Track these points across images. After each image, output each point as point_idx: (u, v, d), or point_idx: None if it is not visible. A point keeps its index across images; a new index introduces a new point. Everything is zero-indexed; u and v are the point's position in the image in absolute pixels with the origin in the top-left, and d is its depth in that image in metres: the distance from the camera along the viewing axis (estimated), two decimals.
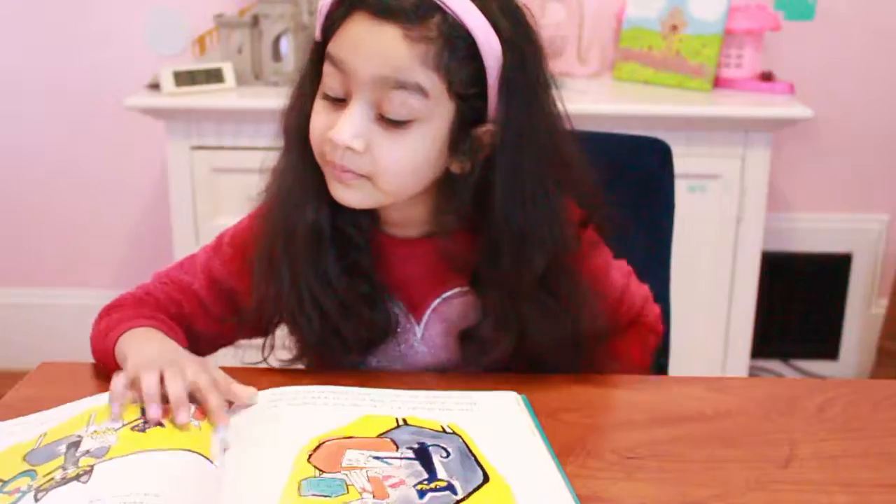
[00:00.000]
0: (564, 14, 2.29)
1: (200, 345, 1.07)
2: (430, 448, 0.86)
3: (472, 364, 1.03)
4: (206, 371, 0.91)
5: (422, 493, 0.79)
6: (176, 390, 0.87)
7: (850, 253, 2.55)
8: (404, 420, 0.91)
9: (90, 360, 1.07)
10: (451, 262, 1.00)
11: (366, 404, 0.94)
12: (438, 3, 0.89)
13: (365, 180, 0.94)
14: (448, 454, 0.85)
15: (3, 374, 1.72)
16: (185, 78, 2.12)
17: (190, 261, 1.11)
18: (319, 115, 0.94)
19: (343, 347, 1.03)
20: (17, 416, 0.95)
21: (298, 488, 0.79)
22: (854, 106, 2.44)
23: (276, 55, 2.21)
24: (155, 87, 2.15)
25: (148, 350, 0.95)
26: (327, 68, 0.93)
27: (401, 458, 0.84)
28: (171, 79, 2.11)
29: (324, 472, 0.81)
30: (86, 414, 0.91)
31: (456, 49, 0.90)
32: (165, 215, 2.23)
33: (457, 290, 1.04)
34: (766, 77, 2.21)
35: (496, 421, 0.92)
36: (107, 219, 2.60)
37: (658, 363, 1.23)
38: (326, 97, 0.94)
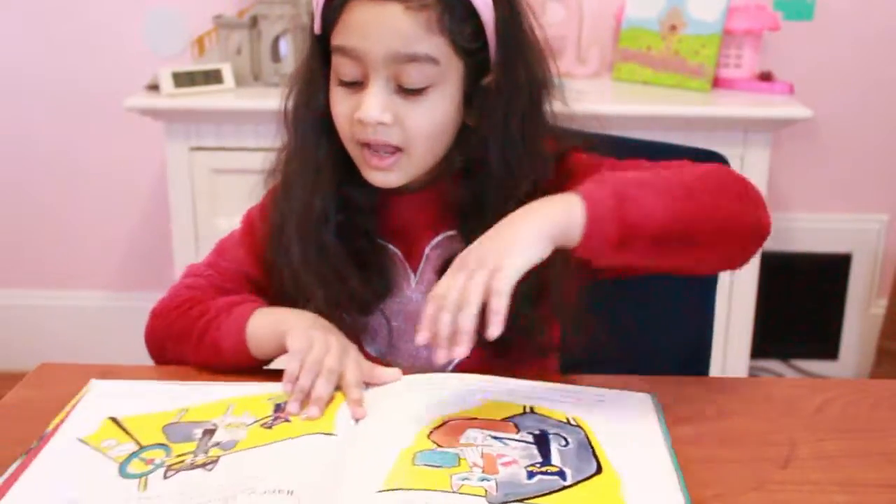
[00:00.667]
0: (564, 14, 2.29)
1: None
2: (551, 435, 0.89)
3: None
4: (357, 365, 0.96)
5: (531, 475, 0.82)
6: (323, 391, 0.94)
7: (850, 253, 2.56)
8: (531, 408, 0.94)
9: (89, 360, 1.07)
10: (448, 207, 1.04)
11: (497, 391, 0.97)
12: None
13: (399, 155, 1.00)
14: (567, 443, 0.88)
15: (2, 375, 1.72)
16: (185, 79, 2.12)
17: (224, 247, 1.15)
18: (341, 103, 1.00)
19: (352, 305, 1.06)
20: (18, 416, 0.95)
21: (413, 458, 0.83)
22: (853, 106, 2.44)
23: (276, 56, 2.21)
24: (154, 88, 2.15)
25: (308, 327, 0.99)
26: (338, 59, 0.98)
27: (519, 441, 0.87)
28: (171, 80, 2.11)
29: (441, 446, 0.86)
30: (225, 402, 0.97)
31: (454, 10, 0.96)
32: (165, 216, 2.23)
33: (446, 234, 1.07)
34: (766, 77, 2.21)
35: (622, 418, 0.94)
36: (106, 220, 2.60)
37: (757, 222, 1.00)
38: (343, 83, 0.99)
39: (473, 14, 0.98)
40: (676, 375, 1.06)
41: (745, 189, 0.97)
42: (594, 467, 0.84)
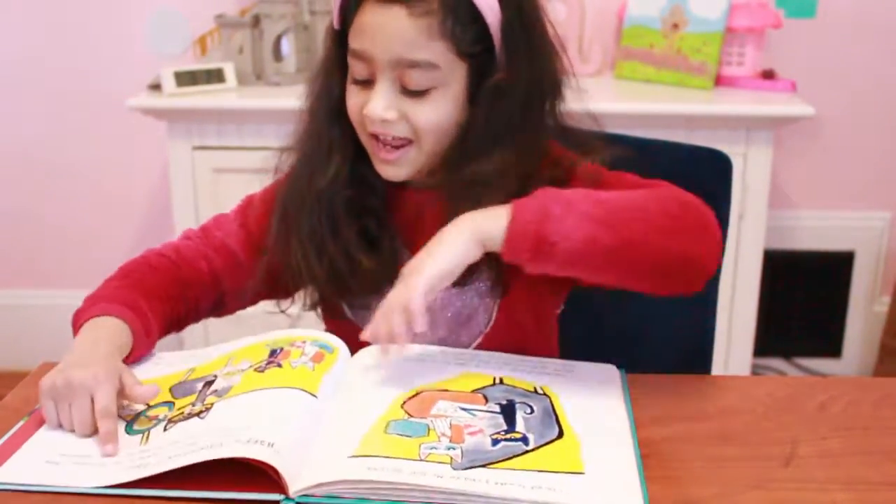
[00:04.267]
0: (565, 13, 2.29)
1: (226, 300, 1.16)
2: (517, 404, 0.94)
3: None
4: (106, 390, 0.92)
5: (495, 442, 0.88)
6: (79, 425, 0.91)
7: (853, 251, 2.55)
8: (500, 379, 1.00)
9: None
10: (448, 206, 1.05)
11: (472, 363, 1.03)
12: None
13: (409, 148, 1.04)
14: (532, 411, 0.94)
15: (4, 375, 1.72)
16: (187, 78, 2.13)
17: (221, 218, 1.18)
18: (353, 98, 1.05)
19: (357, 287, 1.09)
20: (18, 417, 0.95)
21: (385, 427, 0.89)
22: (856, 103, 2.44)
23: (277, 55, 2.21)
24: (156, 87, 2.15)
25: (69, 358, 0.96)
26: (351, 59, 1.04)
27: (486, 412, 0.93)
28: (173, 79, 2.11)
29: (413, 416, 0.91)
30: (228, 356, 1.03)
31: (458, 14, 0.99)
32: (167, 215, 2.24)
33: None
34: (768, 75, 2.21)
35: (587, 388, 1.00)
36: (108, 219, 2.60)
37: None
38: (356, 81, 1.05)
39: (478, 17, 1.00)
40: (678, 374, 1.06)
41: (696, 225, 0.99)
42: (556, 432, 0.90)
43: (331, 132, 1.08)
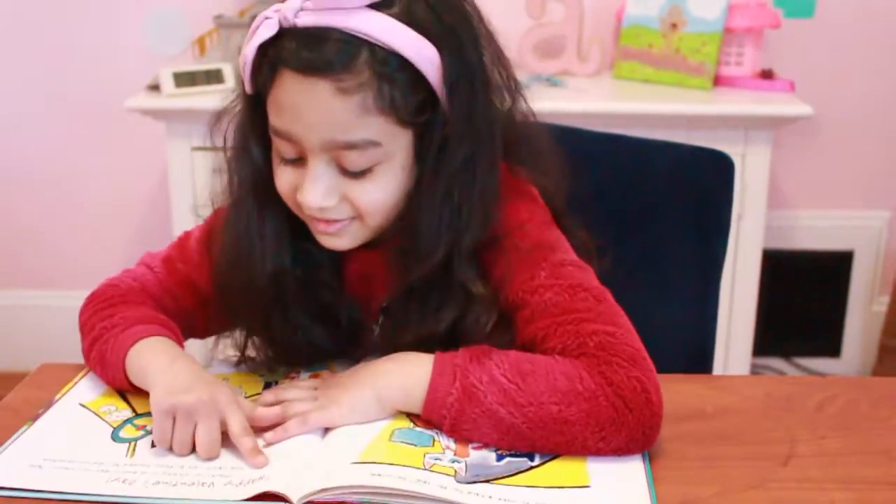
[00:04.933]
0: (564, 13, 2.29)
1: (199, 330, 1.07)
2: None
3: (391, 343, 0.98)
4: (236, 411, 0.88)
5: (500, 457, 0.87)
6: (206, 447, 0.87)
7: (852, 250, 2.55)
8: None
9: None
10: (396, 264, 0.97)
11: None
12: (361, 37, 0.84)
13: (352, 222, 0.93)
14: None
15: (3, 376, 1.72)
16: (185, 79, 2.12)
17: (186, 243, 1.07)
18: (283, 176, 0.92)
19: (318, 356, 1.03)
20: (17, 417, 0.95)
21: (391, 435, 0.88)
22: (854, 103, 2.44)
23: None
24: (155, 88, 2.15)
25: (177, 378, 0.90)
26: (274, 137, 0.91)
27: None
28: (171, 80, 2.11)
29: (418, 426, 0.90)
30: (223, 376, 1.02)
31: (395, 81, 0.86)
32: (167, 216, 2.24)
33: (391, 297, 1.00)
34: (767, 75, 2.21)
35: None
36: (108, 220, 2.60)
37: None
38: (284, 161, 0.92)
39: (418, 76, 0.87)
40: (676, 374, 1.06)
41: (631, 421, 0.85)
42: None
43: (264, 218, 0.96)
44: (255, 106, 0.93)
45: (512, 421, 0.85)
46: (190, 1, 2.38)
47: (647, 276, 1.10)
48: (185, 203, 2.16)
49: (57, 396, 0.98)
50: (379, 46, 0.85)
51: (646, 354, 0.89)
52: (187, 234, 1.09)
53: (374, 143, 0.88)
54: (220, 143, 0.99)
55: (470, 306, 0.94)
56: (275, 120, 0.89)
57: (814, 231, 2.54)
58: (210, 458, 0.86)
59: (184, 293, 1.05)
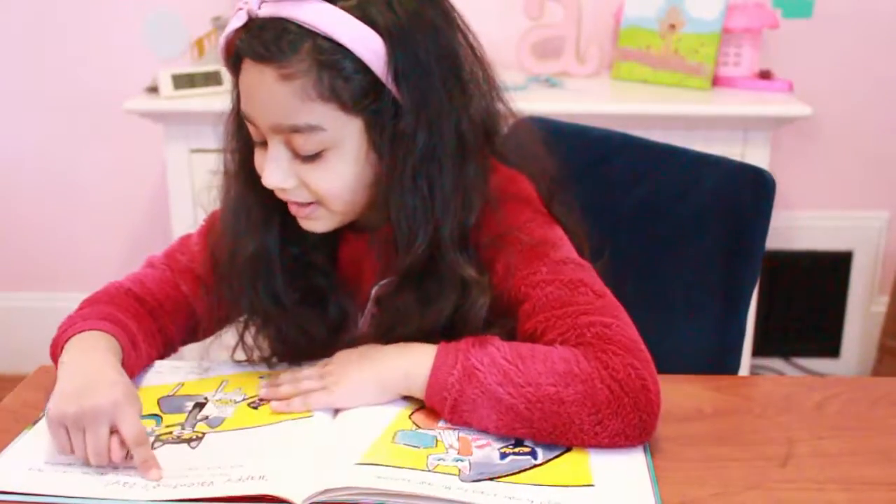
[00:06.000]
0: (562, 14, 2.29)
1: (200, 325, 1.09)
2: None
3: (382, 334, 1.01)
4: (127, 418, 0.87)
5: (503, 455, 0.87)
6: (94, 455, 0.86)
7: (851, 250, 2.55)
8: None
9: None
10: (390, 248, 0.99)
11: None
12: (308, 27, 0.88)
13: (318, 207, 0.97)
14: None
15: (2, 378, 1.72)
16: (184, 81, 2.12)
17: (186, 241, 1.12)
18: (257, 158, 0.98)
19: (311, 344, 1.04)
20: (15, 419, 0.95)
21: (393, 437, 0.89)
22: (853, 103, 2.44)
23: None
24: (153, 90, 2.15)
25: (72, 381, 0.90)
26: (245, 121, 0.96)
27: None
28: (170, 82, 2.11)
29: (420, 427, 0.91)
30: (219, 378, 1.03)
31: (337, 69, 0.89)
32: (165, 218, 2.24)
33: (386, 281, 1.01)
34: (765, 75, 2.21)
35: None
36: (106, 222, 2.60)
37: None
38: (256, 143, 0.97)
39: (363, 65, 0.90)
40: (676, 374, 1.06)
41: (626, 408, 0.87)
42: (563, 447, 0.89)
43: (250, 196, 1.01)
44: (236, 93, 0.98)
45: (511, 402, 0.88)
46: (188, 3, 2.38)
47: (672, 298, 1.08)
48: (184, 205, 2.16)
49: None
50: (323, 37, 0.89)
51: (643, 346, 0.91)
52: (188, 234, 1.14)
53: (318, 129, 0.91)
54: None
55: (466, 293, 0.96)
56: (241, 104, 0.95)
57: (813, 231, 2.54)
58: (100, 465, 0.85)
59: (184, 281, 1.08)
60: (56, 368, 0.95)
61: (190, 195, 2.15)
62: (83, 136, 2.53)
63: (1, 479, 0.84)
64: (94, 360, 0.94)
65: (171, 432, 0.92)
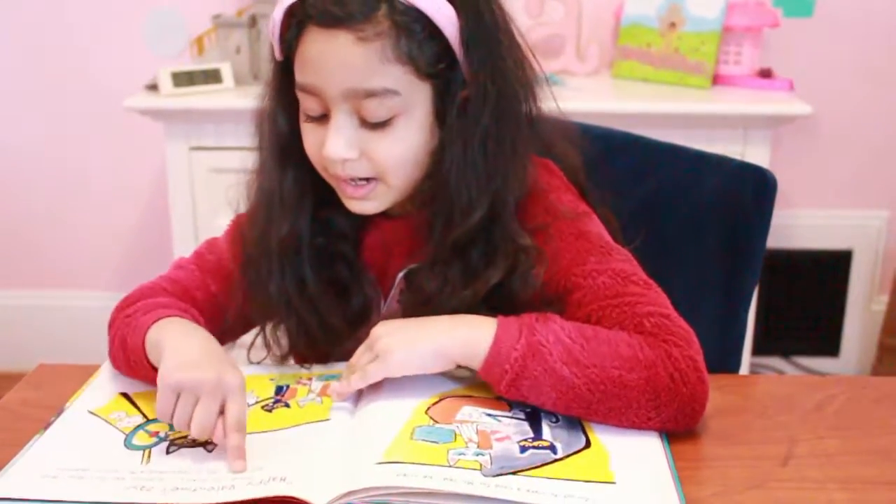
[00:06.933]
0: (563, 12, 2.29)
1: (229, 325, 1.08)
2: (542, 413, 0.92)
3: (416, 313, 1.00)
4: (238, 399, 0.88)
5: (523, 449, 0.87)
6: (199, 427, 0.86)
7: (851, 249, 2.55)
8: None
9: (88, 361, 1.07)
10: (423, 235, 1.00)
11: None
12: None
13: (376, 183, 0.96)
14: (557, 420, 0.92)
15: (2, 376, 1.72)
16: (184, 79, 2.12)
17: (213, 242, 1.12)
18: (309, 136, 0.97)
19: (330, 337, 1.04)
20: (15, 418, 0.95)
21: (412, 433, 0.88)
22: (853, 102, 2.44)
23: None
24: (153, 88, 2.15)
25: (188, 353, 0.92)
26: (300, 94, 0.95)
27: (511, 417, 0.92)
28: (170, 80, 2.11)
29: (438, 422, 0.90)
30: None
31: (412, 33, 0.90)
32: (165, 216, 2.23)
33: (417, 264, 1.01)
34: (765, 74, 2.20)
35: None
36: (106, 220, 2.60)
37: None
38: (310, 118, 0.96)
39: (436, 31, 0.91)
40: None
41: (682, 398, 0.89)
42: (583, 442, 0.88)
43: (285, 180, 1.00)
44: (282, 71, 0.97)
45: (573, 381, 0.88)
46: (188, 1, 2.38)
47: (672, 297, 1.06)
48: (184, 202, 2.15)
49: (67, 404, 0.97)
50: (398, 1, 0.89)
51: (697, 340, 0.93)
52: (214, 237, 1.13)
53: (393, 92, 0.91)
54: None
55: (519, 259, 0.96)
56: (300, 76, 0.94)
57: (813, 230, 2.54)
58: (199, 439, 0.87)
59: (214, 279, 1.08)
60: (127, 370, 0.98)
61: (189, 193, 2.15)
62: (83, 134, 2.53)
63: (15, 487, 0.83)
64: (204, 337, 0.96)
65: (185, 436, 0.90)
